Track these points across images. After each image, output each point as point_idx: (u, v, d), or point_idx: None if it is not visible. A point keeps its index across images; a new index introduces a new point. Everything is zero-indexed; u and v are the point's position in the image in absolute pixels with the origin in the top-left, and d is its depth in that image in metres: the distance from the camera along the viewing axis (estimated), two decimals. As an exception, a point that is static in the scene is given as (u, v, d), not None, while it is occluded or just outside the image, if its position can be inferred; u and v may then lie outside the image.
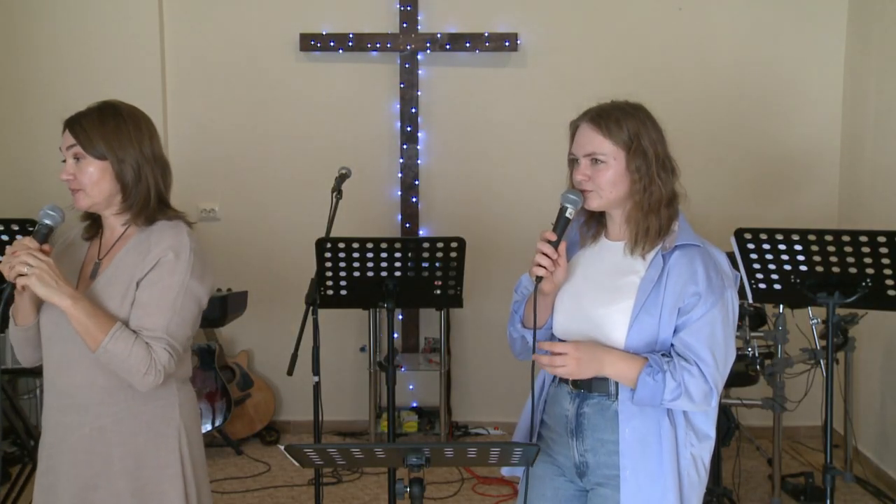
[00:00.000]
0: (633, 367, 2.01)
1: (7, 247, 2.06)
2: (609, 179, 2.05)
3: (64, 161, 2.12)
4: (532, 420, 2.17)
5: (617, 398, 2.07)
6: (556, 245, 2.06)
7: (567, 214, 2.07)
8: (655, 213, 2.06)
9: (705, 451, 2.11)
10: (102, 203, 2.13)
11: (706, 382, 2.00)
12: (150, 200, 2.13)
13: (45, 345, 2.16)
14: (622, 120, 2.06)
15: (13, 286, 2.01)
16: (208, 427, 4.74)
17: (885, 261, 2.78)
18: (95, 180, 2.09)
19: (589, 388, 2.11)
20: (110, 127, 2.10)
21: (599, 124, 2.07)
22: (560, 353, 2.02)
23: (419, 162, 5.10)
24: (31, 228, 2.10)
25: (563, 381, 2.17)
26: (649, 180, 2.05)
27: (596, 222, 2.18)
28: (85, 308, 1.99)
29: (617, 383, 2.07)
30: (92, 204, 2.12)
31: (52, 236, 2.09)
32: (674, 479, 2.04)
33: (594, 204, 2.09)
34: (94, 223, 2.23)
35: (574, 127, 2.14)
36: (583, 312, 2.09)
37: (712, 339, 2.01)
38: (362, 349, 5.11)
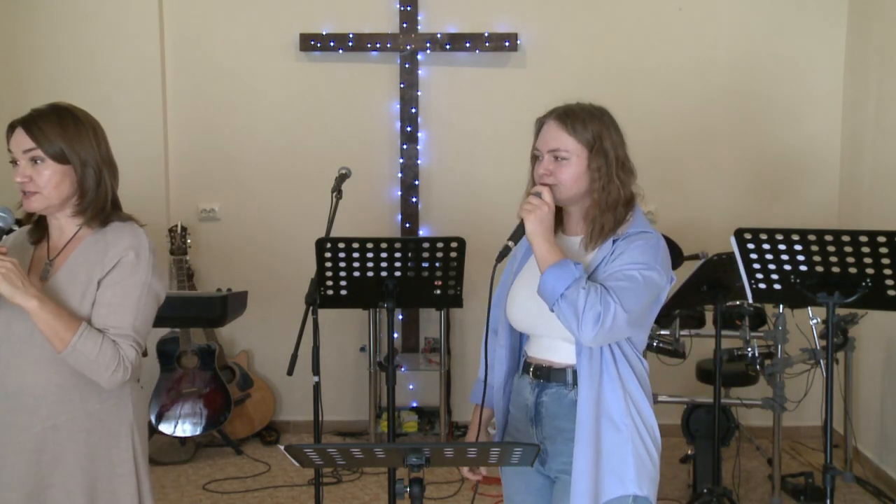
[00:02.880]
0: (556, 255, 2.06)
1: None
2: (571, 175, 2.14)
3: (12, 162, 2.08)
4: (482, 397, 2.34)
5: (574, 387, 2.12)
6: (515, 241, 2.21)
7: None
8: (612, 211, 2.13)
9: (655, 440, 2.13)
10: (57, 206, 2.10)
11: (604, 310, 1.97)
12: (107, 203, 2.13)
13: None
14: (587, 121, 2.14)
15: None
16: (208, 427, 4.74)
17: (885, 261, 2.78)
18: (55, 183, 2.06)
19: (548, 377, 2.19)
20: (70, 130, 2.07)
21: (566, 122, 2.14)
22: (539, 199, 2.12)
23: (419, 162, 5.10)
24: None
25: (525, 371, 2.25)
26: (608, 180, 2.13)
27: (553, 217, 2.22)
28: (51, 308, 1.98)
29: (574, 374, 2.12)
30: (47, 206, 2.09)
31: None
32: (623, 459, 2.07)
33: (554, 196, 2.15)
34: (38, 225, 2.20)
35: (539, 124, 2.22)
36: (540, 307, 2.11)
37: (631, 284, 2.02)
38: (362, 349, 5.11)
